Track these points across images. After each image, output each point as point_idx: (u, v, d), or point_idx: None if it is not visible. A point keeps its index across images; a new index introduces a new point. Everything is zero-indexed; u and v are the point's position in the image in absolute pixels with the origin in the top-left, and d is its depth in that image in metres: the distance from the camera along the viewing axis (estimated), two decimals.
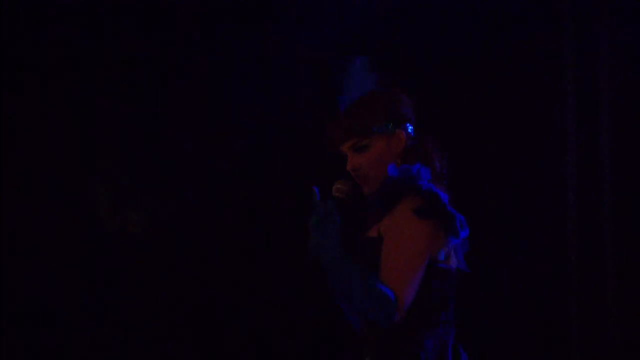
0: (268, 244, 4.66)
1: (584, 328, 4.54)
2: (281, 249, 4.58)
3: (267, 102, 4.69)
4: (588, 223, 4.56)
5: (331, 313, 2.71)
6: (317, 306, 4.31)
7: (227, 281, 4.72)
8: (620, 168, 4.53)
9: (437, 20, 4.64)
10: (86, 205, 4.73)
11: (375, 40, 4.58)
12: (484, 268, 4.59)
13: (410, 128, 2.59)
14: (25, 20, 4.65)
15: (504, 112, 4.64)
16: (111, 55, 4.70)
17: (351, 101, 2.58)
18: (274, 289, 4.67)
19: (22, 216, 4.66)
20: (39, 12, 4.65)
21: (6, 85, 4.64)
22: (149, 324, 4.70)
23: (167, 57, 4.73)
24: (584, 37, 4.57)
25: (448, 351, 2.47)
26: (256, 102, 4.71)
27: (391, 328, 2.37)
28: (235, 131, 4.74)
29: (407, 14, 4.66)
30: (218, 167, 4.75)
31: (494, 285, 4.59)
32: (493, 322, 4.57)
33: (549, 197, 4.61)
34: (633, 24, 4.50)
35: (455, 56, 4.62)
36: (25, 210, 4.66)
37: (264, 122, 4.70)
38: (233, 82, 4.73)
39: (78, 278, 4.67)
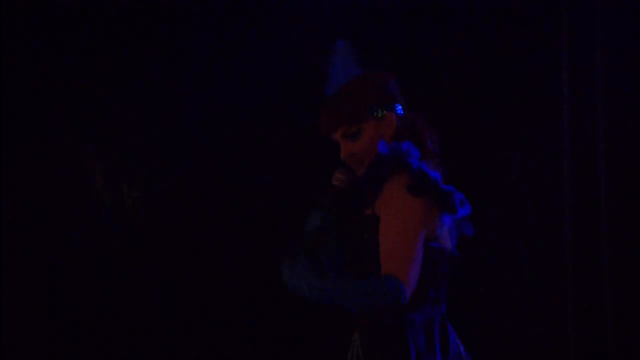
0: (265, 218, 4.67)
1: (581, 329, 4.57)
2: (278, 223, 4.57)
3: (265, 81, 4.70)
4: (584, 223, 4.58)
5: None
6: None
7: (222, 257, 4.72)
8: (615, 166, 4.54)
9: (433, 14, 4.65)
10: (82, 180, 4.72)
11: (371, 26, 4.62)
12: (480, 268, 4.63)
13: (399, 108, 2.58)
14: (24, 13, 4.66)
15: (500, 110, 4.65)
16: (107, 36, 4.70)
17: (337, 88, 2.57)
18: (268, 267, 4.67)
19: (17, 193, 4.65)
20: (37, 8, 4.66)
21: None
22: (145, 300, 4.71)
23: (159, 37, 4.74)
24: (579, 35, 4.59)
25: (435, 327, 2.48)
26: (253, 79, 4.72)
27: None
28: (233, 105, 4.72)
29: (403, 8, 4.67)
30: (215, 143, 4.74)
31: (490, 285, 4.61)
32: (490, 322, 4.60)
33: (545, 197, 4.62)
34: (628, 22, 4.51)
35: (452, 51, 4.63)
36: (20, 187, 4.66)
37: (262, 96, 4.71)
38: (229, 59, 4.73)
39: (74, 254, 4.68)
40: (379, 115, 2.53)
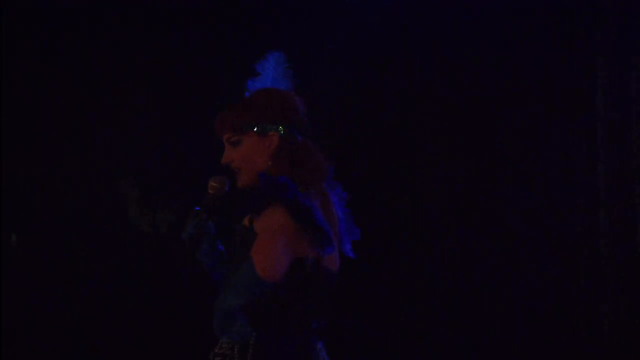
0: None
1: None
2: None
3: None
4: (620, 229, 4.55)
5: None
6: None
7: None
8: None
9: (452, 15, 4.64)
10: (117, 205, 4.74)
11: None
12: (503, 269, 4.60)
13: (288, 130, 2.61)
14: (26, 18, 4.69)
15: (533, 114, 4.63)
16: (137, 58, 4.72)
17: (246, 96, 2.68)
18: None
19: (51, 216, 4.68)
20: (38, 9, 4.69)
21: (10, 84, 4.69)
22: (180, 325, 4.73)
23: (187, 59, 4.75)
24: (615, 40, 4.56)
25: (309, 346, 2.51)
26: None
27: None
28: None
29: (421, 10, 4.66)
30: None
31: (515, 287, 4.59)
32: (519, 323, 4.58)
33: (580, 208, 4.59)
34: None
35: (485, 57, 4.61)
36: (53, 209, 4.69)
37: None
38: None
39: (109, 277, 4.72)
40: (261, 131, 2.59)
